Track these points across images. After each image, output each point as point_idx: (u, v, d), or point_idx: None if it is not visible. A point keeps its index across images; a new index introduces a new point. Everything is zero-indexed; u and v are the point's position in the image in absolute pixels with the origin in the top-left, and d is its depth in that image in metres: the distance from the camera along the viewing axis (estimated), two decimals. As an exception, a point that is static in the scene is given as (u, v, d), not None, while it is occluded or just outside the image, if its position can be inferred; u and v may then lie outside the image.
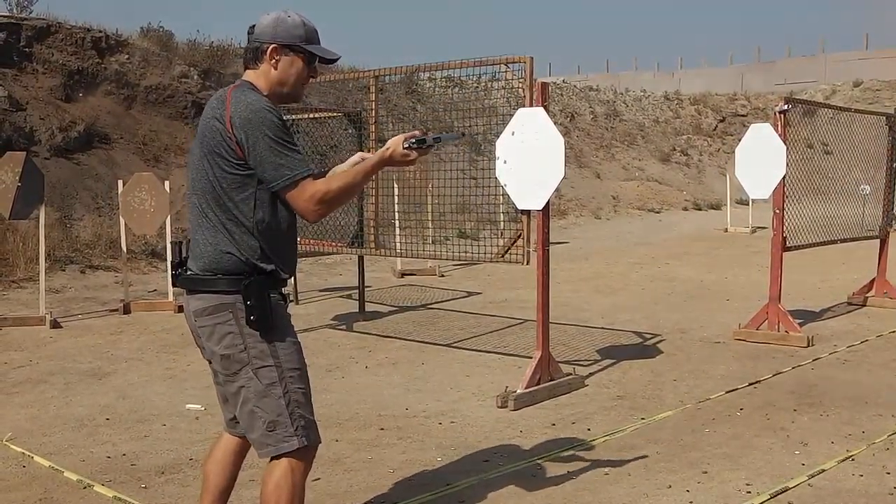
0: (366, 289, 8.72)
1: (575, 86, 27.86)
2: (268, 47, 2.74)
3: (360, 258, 8.46)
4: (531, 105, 5.41)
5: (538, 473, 4.13)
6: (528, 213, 5.52)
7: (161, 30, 16.03)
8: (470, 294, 9.98)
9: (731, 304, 9.00)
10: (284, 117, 2.79)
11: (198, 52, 15.82)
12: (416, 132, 2.79)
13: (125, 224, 8.94)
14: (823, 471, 4.11)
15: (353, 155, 3.08)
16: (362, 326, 7.95)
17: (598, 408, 5.29)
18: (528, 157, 5.32)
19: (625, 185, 22.90)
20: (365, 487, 3.95)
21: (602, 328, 7.86)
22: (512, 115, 5.51)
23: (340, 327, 7.97)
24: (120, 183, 9.07)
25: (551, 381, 5.59)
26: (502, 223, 14.03)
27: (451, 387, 5.82)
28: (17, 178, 7.97)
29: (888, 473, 4.09)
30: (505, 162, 5.45)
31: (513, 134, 5.43)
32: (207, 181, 2.68)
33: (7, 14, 13.69)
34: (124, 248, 9.15)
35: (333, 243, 7.42)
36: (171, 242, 2.83)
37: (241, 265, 2.67)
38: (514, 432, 4.78)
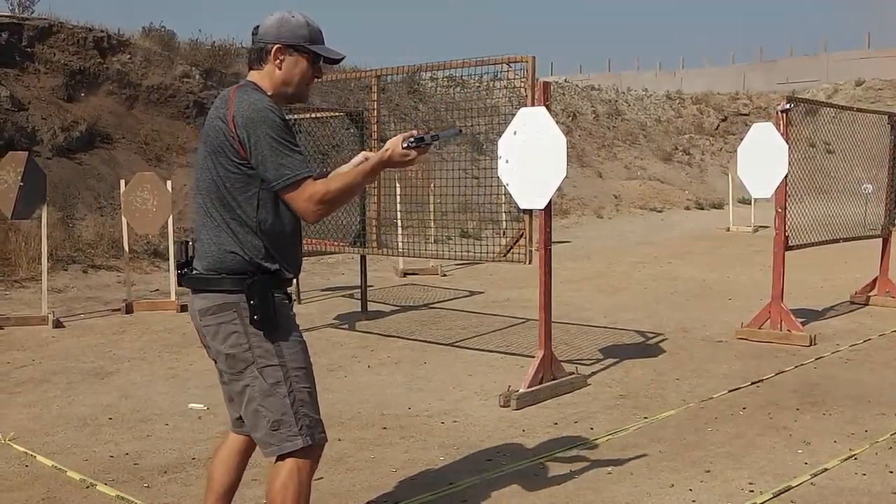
0: (368, 288, 8.72)
1: (577, 85, 27.84)
2: (272, 48, 2.74)
3: (363, 257, 8.46)
4: (533, 104, 5.41)
5: (541, 472, 4.13)
6: (530, 212, 5.52)
7: (163, 29, 16.06)
8: (472, 293, 9.98)
9: (733, 303, 9.00)
10: (286, 117, 2.79)
11: (199, 51, 15.84)
12: (414, 131, 2.79)
13: (127, 224, 8.94)
14: (826, 470, 4.11)
15: (356, 155, 3.08)
16: (364, 326, 7.95)
17: (600, 407, 5.29)
18: (530, 157, 5.32)
19: (627, 185, 22.89)
20: (367, 487, 3.96)
21: (604, 327, 7.86)
22: (514, 115, 5.51)
23: (343, 327, 7.97)
24: (122, 183, 9.08)
25: (554, 380, 5.59)
26: (504, 222, 14.02)
27: (454, 386, 5.82)
28: (20, 177, 7.98)
29: (891, 472, 4.08)
30: (507, 161, 5.46)
31: (515, 133, 5.43)
32: (211, 181, 2.69)
33: (9, 14, 13.71)
34: (126, 248, 9.16)
35: (336, 243, 7.42)
36: (176, 242, 2.84)
37: (245, 264, 2.67)
38: (517, 431, 4.78)
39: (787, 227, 7.17)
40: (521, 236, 5.66)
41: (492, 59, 5.78)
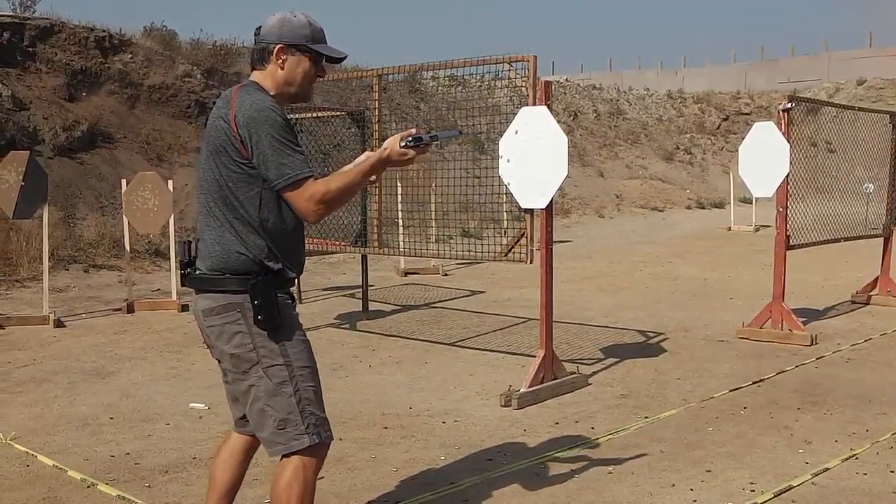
0: (369, 288, 8.72)
1: (578, 84, 27.83)
2: (274, 48, 2.74)
3: (364, 257, 8.46)
4: (534, 104, 5.41)
5: (542, 472, 4.13)
6: (531, 211, 5.52)
7: (164, 29, 16.07)
8: (473, 293, 9.98)
9: (734, 303, 9.00)
10: (288, 116, 2.79)
11: (201, 51, 15.84)
12: (413, 131, 2.79)
13: (128, 223, 8.95)
14: (827, 469, 4.11)
15: (357, 154, 3.08)
16: (366, 325, 7.95)
17: (601, 406, 5.29)
18: (532, 156, 5.32)
19: (628, 184, 22.88)
20: (369, 486, 3.96)
21: (605, 327, 7.86)
22: (515, 114, 5.50)
23: (344, 326, 7.97)
24: (123, 182, 9.08)
25: (555, 379, 5.59)
26: (506, 222, 13.96)
27: (455, 385, 5.83)
28: (21, 177, 7.98)
29: (892, 472, 4.08)
30: (508, 161, 5.45)
31: (516, 133, 5.43)
32: (214, 180, 2.69)
33: (10, 14, 13.71)
34: (128, 248, 9.16)
35: (337, 242, 7.42)
36: (179, 242, 2.83)
37: (250, 264, 2.67)
38: (518, 431, 4.78)
39: (788, 227, 7.17)
40: (523, 236, 5.66)
41: (493, 58, 5.78)
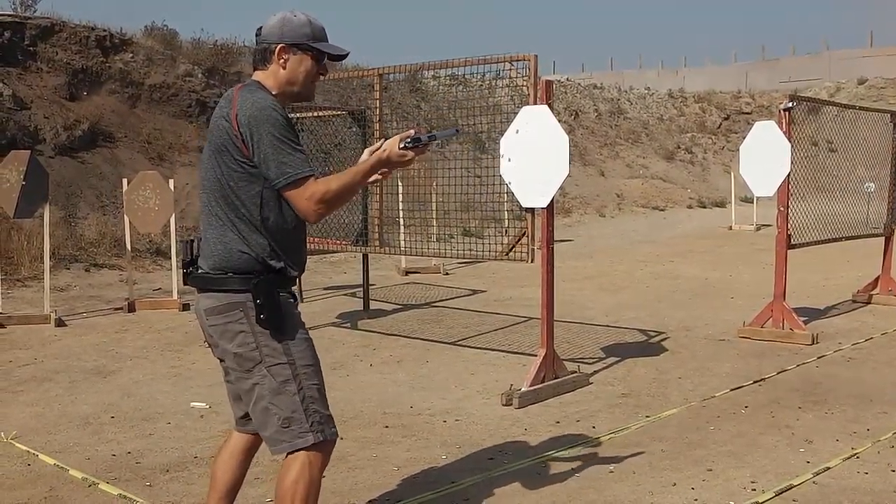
0: (370, 287, 8.73)
1: (579, 84, 27.83)
2: (276, 47, 2.74)
3: (365, 256, 8.47)
4: (535, 103, 5.40)
5: (543, 471, 4.13)
6: (532, 211, 5.51)
7: (165, 28, 16.07)
8: (474, 292, 9.99)
9: (735, 302, 9.00)
10: (289, 115, 2.79)
11: (202, 50, 15.84)
12: (412, 131, 2.79)
13: (129, 222, 8.95)
14: (828, 468, 4.11)
15: (359, 154, 3.08)
16: (366, 324, 7.96)
17: (602, 405, 5.29)
18: (533, 155, 5.32)
19: (629, 183, 22.88)
20: (370, 485, 3.96)
21: (606, 326, 7.86)
22: (516, 113, 5.50)
23: (345, 325, 7.98)
24: (124, 181, 9.09)
25: (556, 378, 5.59)
26: (507, 221, 13.99)
27: (456, 385, 5.83)
28: (22, 176, 7.99)
29: (893, 471, 4.08)
30: (509, 160, 5.45)
31: (517, 132, 5.43)
32: (216, 179, 2.69)
33: (11, 13, 13.71)
34: (129, 247, 9.17)
35: (338, 241, 7.42)
36: (181, 241, 2.83)
37: (252, 263, 2.67)
38: (519, 430, 4.78)
39: (789, 226, 7.16)
40: (524, 235, 5.66)
41: (494, 57, 5.78)
